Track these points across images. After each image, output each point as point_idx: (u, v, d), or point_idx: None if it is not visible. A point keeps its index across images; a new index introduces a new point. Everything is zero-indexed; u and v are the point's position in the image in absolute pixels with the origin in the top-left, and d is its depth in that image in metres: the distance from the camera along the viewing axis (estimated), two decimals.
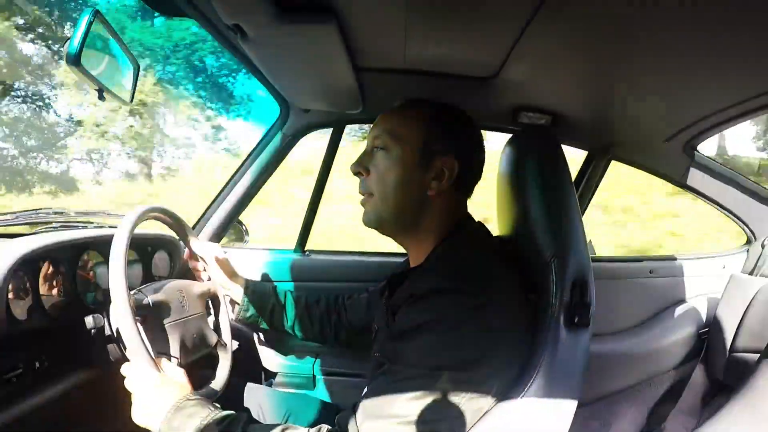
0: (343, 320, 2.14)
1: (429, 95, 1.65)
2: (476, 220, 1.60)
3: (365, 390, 1.38)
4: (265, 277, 2.61)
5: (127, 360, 1.55)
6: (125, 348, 1.55)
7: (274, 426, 1.38)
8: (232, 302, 2.07)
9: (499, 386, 1.33)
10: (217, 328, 1.98)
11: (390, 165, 1.49)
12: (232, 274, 2.06)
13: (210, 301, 2.00)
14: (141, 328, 1.52)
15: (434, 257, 1.47)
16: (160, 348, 1.64)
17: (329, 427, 1.36)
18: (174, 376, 1.54)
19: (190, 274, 2.11)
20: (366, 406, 1.30)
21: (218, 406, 1.46)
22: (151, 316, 1.65)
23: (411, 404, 1.22)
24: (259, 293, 2.09)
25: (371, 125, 1.60)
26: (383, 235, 1.60)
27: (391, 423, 1.24)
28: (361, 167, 1.56)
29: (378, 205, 1.53)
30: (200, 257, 2.02)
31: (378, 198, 1.52)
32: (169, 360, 1.63)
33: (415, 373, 1.24)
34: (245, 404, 2.00)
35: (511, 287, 1.39)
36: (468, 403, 1.26)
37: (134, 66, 1.74)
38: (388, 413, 1.24)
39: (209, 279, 2.04)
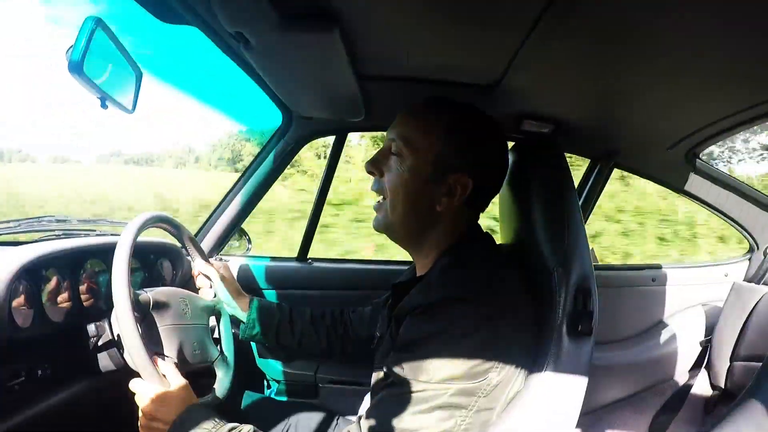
0: (349, 333, 2.12)
1: None
2: (483, 230, 1.59)
3: (370, 403, 1.36)
4: (268, 286, 2.60)
5: (128, 367, 1.55)
6: (125, 352, 1.56)
7: None
8: (237, 321, 2.05)
9: (505, 396, 1.32)
10: (219, 343, 1.97)
11: (402, 174, 1.47)
12: (237, 293, 2.05)
13: (214, 316, 1.99)
14: (142, 328, 1.51)
15: (441, 267, 1.45)
16: (157, 348, 1.63)
17: None
18: (176, 387, 1.53)
19: (192, 283, 2.10)
20: (372, 420, 1.28)
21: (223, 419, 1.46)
22: (150, 315, 1.65)
23: (418, 418, 1.21)
24: (264, 312, 2.07)
25: (378, 131, 1.60)
26: (390, 239, 1.59)
27: None
28: (374, 167, 1.55)
29: (387, 212, 1.52)
30: (206, 275, 2.01)
31: (388, 205, 1.51)
32: (170, 362, 1.62)
33: (422, 386, 1.23)
34: (245, 413, 1.99)
35: (518, 296, 1.39)
36: (476, 414, 1.25)
37: (137, 74, 1.74)
38: (395, 427, 1.23)
39: (214, 296, 2.02)
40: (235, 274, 2.13)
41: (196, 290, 2.03)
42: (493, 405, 1.29)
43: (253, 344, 2.61)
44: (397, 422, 1.22)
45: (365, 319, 2.10)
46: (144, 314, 1.62)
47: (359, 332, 2.10)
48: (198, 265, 2.00)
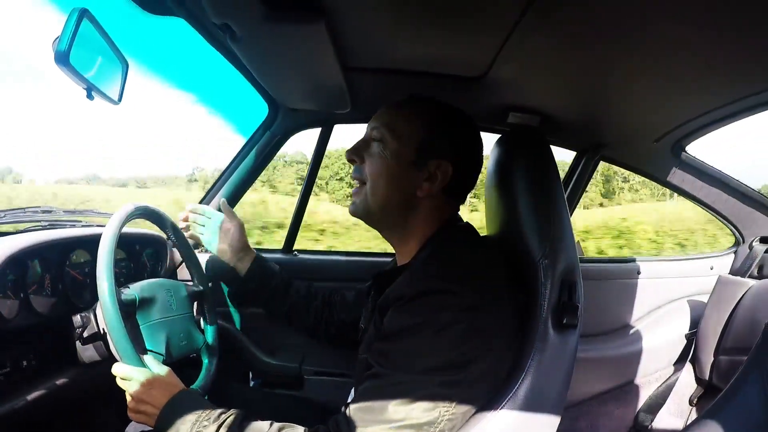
0: (334, 316, 2.14)
1: None
2: (464, 221, 1.59)
3: (355, 394, 1.36)
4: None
5: (113, 358, 1.56)
6: (111, 346, 1.56)
7: (271, 424, 1.38)
8: (221, 307, 2.06)
9: (488, 387, 1.32)
10: (204, 330, 1.99)
11: (384, 158, 1.49)
12: (244, 245, 2.10)
13: (198, 303, 2.00)
14: (128, 326, 1.52)
15: (423, 257, 1.47)
16: (145, 345, 1.64)
17: (326, 428, 1.36)
18: (163, 374, 1.55)
19: (177, 274, 2.11)
20: (357, 411, 1.28)
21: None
22: (137, 313, 1.66)
23: (402, 408, 1.21)
24: (265, 271, 2.12)
25: (364, 123, 1.60)
26: (369, 226, 1.60)
27: (382, 428, 1.23)
28: (356, 155, 1.55)
29: (367, 197, 1.52)
30: (182, 242, 2.03)
31: (368, 189, 1.51)
32: (155, 357, 1.63)
33: (405, 377, 1.23)
34: (231, 405, 1.99)
35: (501, 288, 1.38)
36: (459, 405, 1.25)
37: (123, 65, 1.73)
38: (379, 419, 1.23)
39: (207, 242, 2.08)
40: (220, 266, 2.14)
41: (179, 279, 2.04)
42: (476, 396, 1.29)
43: (241, 336, 2.62)
44: (381, 414, 1.23)
45: (348, 304, 2.13)
46: (130, 314, 1.63)
47: (342, 316, 2.13)
48: (172, 237, 2.02)
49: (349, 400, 1.42)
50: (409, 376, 1.23)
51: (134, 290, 1.68)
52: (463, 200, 1.61)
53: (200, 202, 2.60)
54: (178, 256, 2.36)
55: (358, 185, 1.57)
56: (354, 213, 1.58)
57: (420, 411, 1.21)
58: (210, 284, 2.09)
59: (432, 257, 1.44)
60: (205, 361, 1.92)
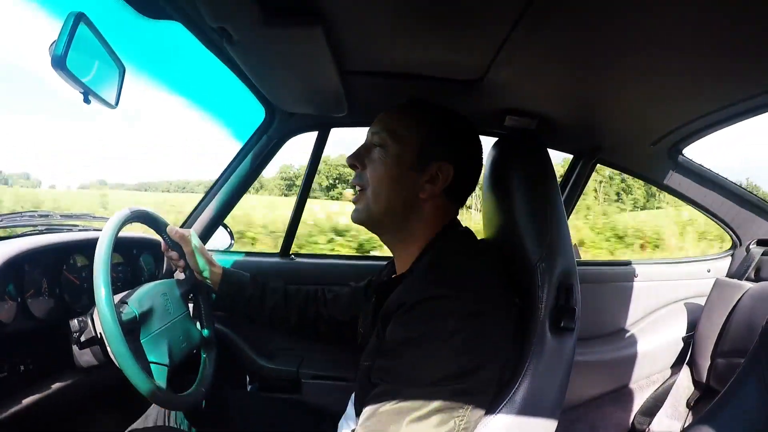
0: (323, 314, 2.11)
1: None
2: (463, 225, 1.59)
3: (364, 411, 1.31)
4: None
5: (111, 363, 1.55)
6: (109, 352, 1.56)
7: None
8: (210, 290, 2.04)
9: (494, 391, 1.31)
10: (201, 325, 1.99)
11: (386, 163, 1.49)
12: (209, 262, 2.02)
13: (193, 297, 2.01)
14: (129, 343, 1.51)
15: (423, 264, 1.46)
16: (149, 357, 1.63)
17: None
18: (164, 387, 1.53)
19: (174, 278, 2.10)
20: (368, 430, 1.24)
21: None
22: (139, 328, 1.65)
23: (418, 425, 1.18)
24: (236, 282, 2.07)
25: (360, 126, 1.59)
26: (371, 232, 1.60)
27: None
28: (357, 160, 1.56)
29: (369, 202, 1.51)
30: (176, 245, 1.99)
31: (370, 194, 1.51)
32: (158, 369, 1.62)
33: (415, 391, 1.20)
34: (229, 409, 1.99)
35: (501, 292, 1.38)
36: (472, 411, 1.23)
37: (120, 69, 1.73)
38: None
39: (185, 267, 2.02)
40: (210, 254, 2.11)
41: (176, 278, 2.02)
42: (485, 400, 1.28)
43: (238, 340, 2.61)
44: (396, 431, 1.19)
45: (342, 302, 2.11)
46: (132, 330, 1.62)
47: (334, 314, 2.10)
48: (169, 233, 1.97)
49: (350, 406, 1.41)
50: (419, 390, 1.20)
51: (132, 306, 1.67)
52: (463, 203, 1.61)
53: (199, 204, 2.60)
54: None
55: (358, 191, 1.56)
56: (357, 219, 1.57)
57: (435, 424, 1.19)
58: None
59: (431, 264, 1.43)
60: (204, 355, 1.93)
